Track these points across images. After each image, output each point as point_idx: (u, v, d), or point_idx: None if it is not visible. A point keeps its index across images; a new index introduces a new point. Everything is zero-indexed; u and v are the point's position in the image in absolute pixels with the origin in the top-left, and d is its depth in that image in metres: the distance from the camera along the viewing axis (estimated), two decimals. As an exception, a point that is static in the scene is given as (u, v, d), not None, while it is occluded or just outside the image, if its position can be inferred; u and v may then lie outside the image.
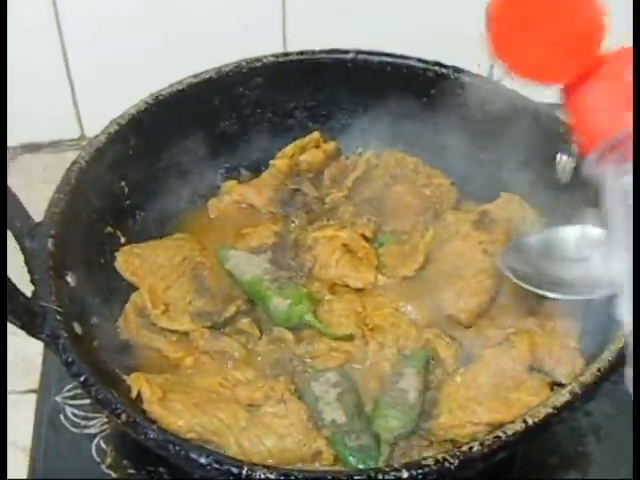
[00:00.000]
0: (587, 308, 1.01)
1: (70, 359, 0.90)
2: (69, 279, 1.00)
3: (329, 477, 0.82)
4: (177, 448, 0.84)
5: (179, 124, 1.16)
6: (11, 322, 0.92)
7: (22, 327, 0.93)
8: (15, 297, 0.91)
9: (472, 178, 1.20)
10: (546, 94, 1.16)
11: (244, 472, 0.82)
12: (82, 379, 0.89)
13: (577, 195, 1.07)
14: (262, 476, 0.81)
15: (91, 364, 0.91)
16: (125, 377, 0.98)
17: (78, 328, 0.96)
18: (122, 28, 1.38)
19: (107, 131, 1.10)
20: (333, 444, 0.95)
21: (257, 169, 1.23)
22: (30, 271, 0.97)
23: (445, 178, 1.20)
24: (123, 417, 0.86)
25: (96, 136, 1.10)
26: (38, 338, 0.93)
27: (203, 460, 0.83)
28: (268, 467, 0.82)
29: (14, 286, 0.91)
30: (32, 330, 0.93)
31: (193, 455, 0.83)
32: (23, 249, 0.98)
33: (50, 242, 0.98)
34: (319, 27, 1.32)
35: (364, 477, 0.81)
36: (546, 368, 0.98)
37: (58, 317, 0.93)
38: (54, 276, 0.96)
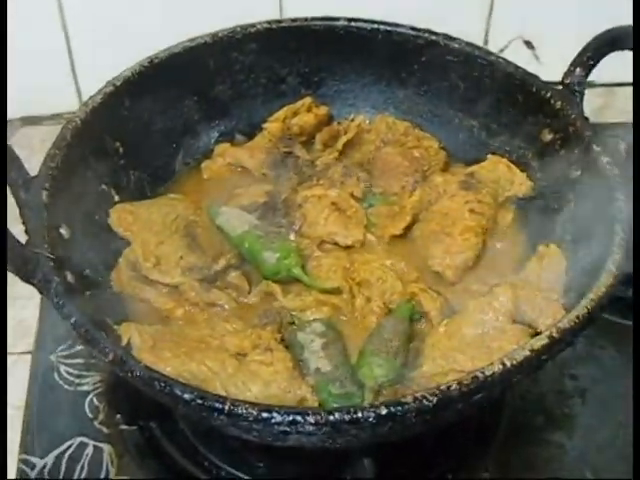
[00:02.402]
0: (571, 264, 1.03)
1: (61, 302, 0.92)
2: (63, 231, 1.01)
3: (309, 412, 0.83)
4: (162, 384, 0.85)
5: (174, 87, 1.18)
6: (6, 268, 0.94)
7: (16, 273, 0.95)
8: (9, 243, 0.93)
9: (461, 142, 1.22)
10: (538, 68, 1.20)
11: (226, 407, 0.83)
12: (73, 320, 0.90)
13: (562, 156, 1.09)
14: (244, 411, 0.83)
15: (82, 311, 0.93)
16: (116, 327, 1.00)
17: (70, 277, 0.97)
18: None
19: (102, 91, 1.12)
20: (317, 392, 0.96)
21: (250, 133, 1.25)
22: (24, 222, 0.99)
23: (434, 141, 1.22)
24: (111, 356, 0.88)
25: (92, 96, 1.12)
26: (31, 283, 0.95)
27: (187, 396, 0.84)
28: (250, 403, 0.84)
29: (8, 233, 0.93)
30: (25, 275, 0.95)
31: (177, 391, 0.85)
32: (18, 200, 1.00)
33: (45, 194, 1.00)
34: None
35: (344, 413, 0.82)
36: (528, 319, 1.00)
37: (50, 263, 0.94)
38: (48, 227, 0.98)
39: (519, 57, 1.43)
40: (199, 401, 0.84)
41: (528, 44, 1.51)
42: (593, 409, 1.12)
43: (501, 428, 1.11)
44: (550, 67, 1.18)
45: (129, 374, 0.87)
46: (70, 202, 1.04)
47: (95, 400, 1.14)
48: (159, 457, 1.07)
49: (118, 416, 1.12)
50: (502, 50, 1.49)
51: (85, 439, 1.10)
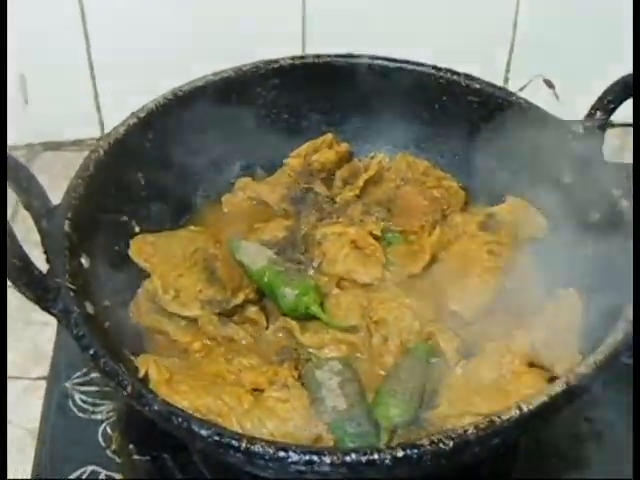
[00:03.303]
0: (589, 308, 1.03)
1: (81, 333, 0.92)
2: (83, 261, 1.02)
3: (326, 452, 0.83)
4: (179, 420, 0.86)
5: (197, 120, 1.18)
6: (25, 296, 0.95)
7: (36, 301, 0.95)
8: (30, 272, 0.94)
9: (480, 182, 1.22)
10: (557, 108, 1.21)
11: (243, 445, 0.83)
12: (92, 352, 0.91)
13: (582, 199, 1.09)
14: (260, 449, 0.83)
15: (101, 342, 0.93)
16: (133, 358, 1.00)
17: (90, 308, 0.98)
18: (144, 29, 1.42)
19: (126, 123, 1.13)
20: (333, 430, 0.96)
21: (271, 168, 1.26)
22: (46, 251, 1.00)
23: (454, 181, 1.22)
24: (129, 389, 0.88)
25: (115, 127, 1.13)
26: (51, 313, 0.96)
27: (204, 432, 0.84)
28: (267, 441, 0.84)
29: (30, 261, 0.94)
30: (45, 305, 0.95)
31: (194, 427, 0.85)
32: (40, 230, 1.01)
33: (67, 224, 1.01)
34: (338, 30, 1.36)
35: (360, 454, 0.83)
36: (545, 363, 1.00)
37: (71, 294, 0.95)
38: (69, 256, 0.99)
39: (539, 95, 1.46)
40: (216, 438, 0.84)
41: (548, 83, 1.52)
42: (608, 452, 1.12)
43: (515, 471, 1.11)
44: (569, 106, 1.18)
45: (146, 408, 0.87)
46: (91, 232, 1.05)
47: (108, 429, 1.14)
48: (171, 489, 1.07)
49: (131, 446, 1.13)
50: (522, 89, 1.50)
51: (97, 468, 1.10)
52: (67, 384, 1.18)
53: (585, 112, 1.17)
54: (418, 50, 1.24)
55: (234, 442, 0.84)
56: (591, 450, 1.13)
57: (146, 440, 1.12)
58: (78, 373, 1.19)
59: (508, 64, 1.50)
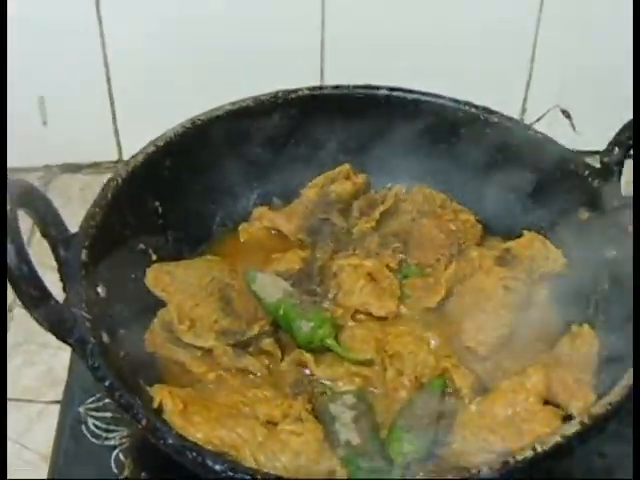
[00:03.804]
0: (604, 346, 1.03)
1: (96, 364, 0.92)
2: (99, 290, 1.02)
3: (341, 489, 0.83)
4: (194, 454, 0.86)
5: (215, 149, 1.19)
6: (41, 325, 0.95)
7: (51, 331, 0.95)
8: (47, 301, 0.94)
9: (496, 216, 1.22)
10: (576, 140, 1.21)
11: (258, 481, 0.84)
12: (107, 383, 0.91)
13: (599, 235, 1.09)
14: (275, 486, 0.83)
15: (116, 372, 0.93)
16: (148, 388, 1.00)
17: (106, 337, 0.98)
18: (164, 55, 1.42)
19: (144, 152, 1.13)
20: (347, 465, 0.96)
21: (288, 197, 1.26)
22: (62, 279, 1.00)
23: (471, 214, 1.22)
24: (144, 422, 0.89)
25: (133, 156, 1.13)
26: (66, 343, 0.96)
27: (218, 467, 0.85)
28: (281, 477, 0.84)
29: (48, 292, 0.94)
30: (61, 334, 0.95)
31: (209, 462, 0.85)
32: (57, 258, 1.01)
33: (84, 253, 1.01)
34: (355, 62, 1.36)
35: (375, 492, 0.83)
36: (560, 401, 1.00)
37: (87, 324, 0.95)
38: (85, 285, 0.99)
39: (556, 126, 1.46)
40: (230, 473, 0.84)
41: (565, 113, 1.52)
42: (622, 488, 1.11)
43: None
44: (586, 137, 1.18)
45: (161, 442, 0.88)
46: (108, 261, 1.05)
47: (121, 455, 1.14)
48: (183, 519, 1.07)
49: (144, 474, 1.12)
50: (539, 119, 1.50)
51: (109, 495, 1.10)
52: (80, 409, 1.18)
53: (602, 143, 1.17)
54: (435, 82, 1.24)
55: (247, 477, 0.84)
56: (604, 486, 1.12)
57: (159, 468, 1.12)
58: (92, 398, 1.19)
59: (526, 93, 1.50)
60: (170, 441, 0.87)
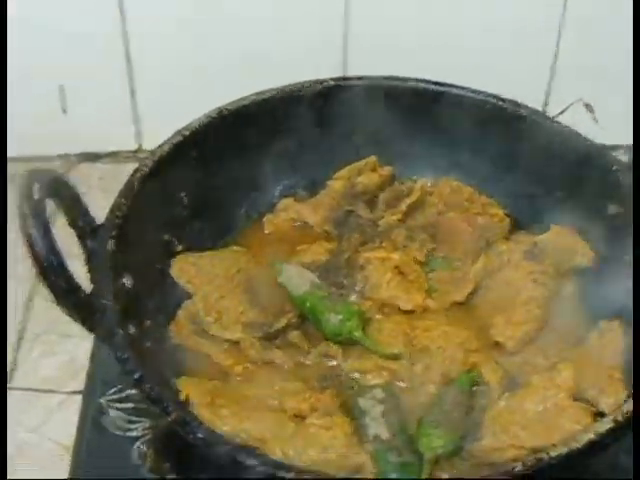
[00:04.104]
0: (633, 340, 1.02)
1: (125, 355, 0.92)
2: (125, 281, 1.01)
3: (375, 486, 0.83)
4: (225, 448, 0.85)
5: (241, 140, 1.18)
6: (70, 316, 0.95)
7: (81, 322, 0.95)
8: (75, 292, 0.94)
9: (524, 210, 1.21)
10: (602, 134, 1.20)
11: (291, 476, 0.83)
12: (137, 376, 0.90)
13: (627, 231, 1.08)
14: (309, 481, 0.83)
15: (143, 364, 0.93)
16: (174, 380, 1.00)
17: (132, 329, 0.97)
18: (186, 44, 1.41)
19: (170, 142, 1.12)
20: (375, 459, 0.95)
21: (314, 189, 1.25)
22: (90, 270, 1.00)
23: (499, 208, 1.21)
24: (174, 415, 0.88)
25: (160, 145, 1.12)
26: (95, 334, 0.96)
27: (250, 462, 0.84)
28: (315, 472, 0.84)
29: (76, 284, 0.94)
30: (90, 326, 0.95)
31: (241, 456, 0.84)
32: (85, 248, 1.00)
33: (111, 243, 1.00)
34: (379, 56, 1.35)
35: (409, 487, 0.82)
36: (590, 398, 0.99)
37: (115, 315, 0.94)
38: (112, 276, 0.98)
39: (578, 120, 1.44)
40: (262, 468, 0.84)
41: (588, 107, 1.51)
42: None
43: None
44: (609, 131, 1.18)
45: (191, 436, 0.87)
46: (134, 251, 1.04)
47: (143, 447, 1.14)
48: (206, 511, 1.07)
49: (166, 465, 1.12)
50: (562, 112, 1.49)
51: (131, 486, 1.10)
52: (102, 400, 1.18)
53: (625, 137, 1.16)
54: (458, 78, 1.23)
55: (281, 472, 0.83)
56: (629, 482, 1.11)
57: (182, 460, 1.11)
58: (114, 389, 1.18)
59: (549, 87, 1.49)
60: (200, 435, 0.87)
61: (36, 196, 0.91)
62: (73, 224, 1.00)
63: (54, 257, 0.90)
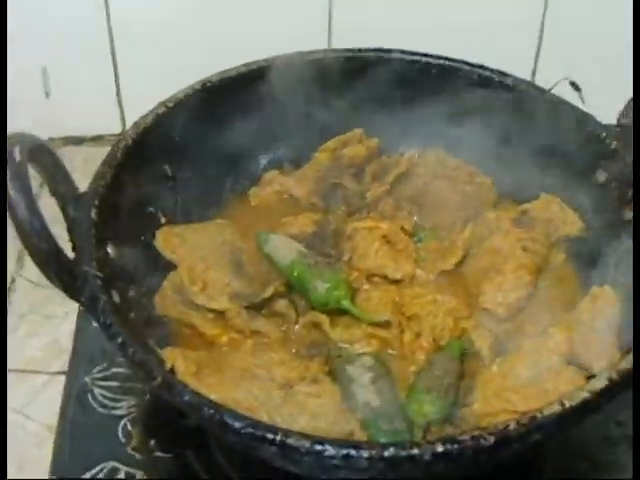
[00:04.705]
0: (625, 307, 1.01)
1: (109, 321, 0.90)
2: (109, 250, 0.99)
3: (364, 446, 0.81)
4: (211, 411, 0.83)
5: (226, 112, 1.16)
6: (52, 282, 0.93)
7: (64, 290, 0.93)
8: (59, 258, 0.92)
9: (512, 179, 1.19)
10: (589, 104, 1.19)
11: (278, 438, 0.81)
12: (120, 341, 0.88)
13: (616, 198, 1.08)
14: (296, 443, 0.80)
15: (127, 332, 0.91)
16: (159, 350, 0.98)
17: (116, 297, 0.95)
18: (170, 28, 1.40)
19: (154, 112, 1.11)
20: (366, 427, 0.94)
21: (299, 162, 1.23)
22: (72, 238, 0.98)
23: (486, 177, 1.20)
24: (159, 379, 0.86)
25: (143, 116, 1.10)
26: (77, 301, 0.94)
27: (237, 424, 0.82)
28: (303, 434, 0.82)
29: (59, 247, 0.92)
30: (73, 293, 0.93)
31: (227, 419, 0.82)
32: (66, 217, 0.98)
33: (93, 211, 0.98)
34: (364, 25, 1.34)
35: (399, 448, 0.80)
36: (582, 361, 0.97)
37: (98, 282, 0.93)
38: (95, 244, 0.96)
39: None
40: (249, 430, 0.82)
41: (574, 86, 1.50)
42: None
43: (544, 473, 1.08)
44: (595, 110, 1.17)
45: (177, 399, 0.85)
46: (117, 221, 1.02)
47: (129, 425, 1.12)
48: (193, 486, 1.05)
49: (152, 442, 1.10)
50: (549, 90, 1.48)
51: (117, 464, 1.08)
52: (87, 379, 1.17)
53: (611, 117, 1.15)
54: (447, 46, 1.22)
55: (269, 435, 0.81)
56: (622, 453, 1.10)
57: (168, 437, 1.10)
58: (98, 368, 1.17)
59: (535, 65, 1.48)
60: (186, 398, 0.84)
61: (17, 159, 0.89)
62: (55, 192, 0.98)
63: (36, 219, 0.88)
